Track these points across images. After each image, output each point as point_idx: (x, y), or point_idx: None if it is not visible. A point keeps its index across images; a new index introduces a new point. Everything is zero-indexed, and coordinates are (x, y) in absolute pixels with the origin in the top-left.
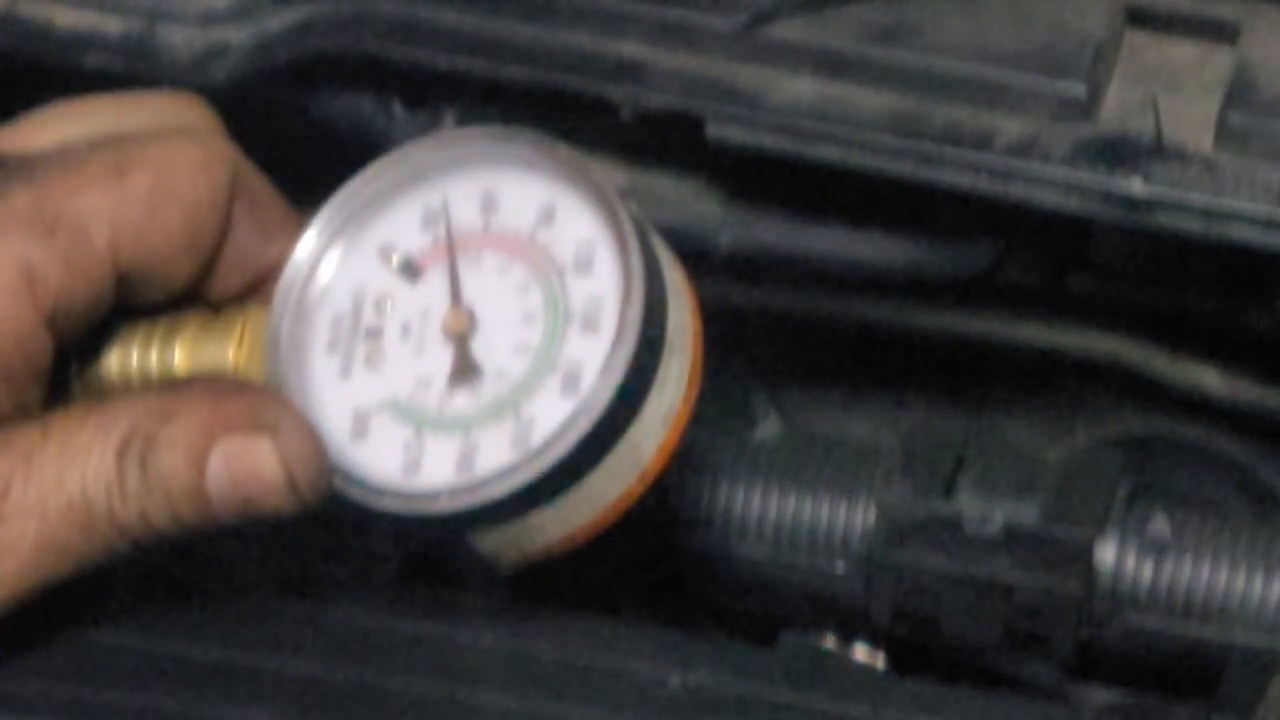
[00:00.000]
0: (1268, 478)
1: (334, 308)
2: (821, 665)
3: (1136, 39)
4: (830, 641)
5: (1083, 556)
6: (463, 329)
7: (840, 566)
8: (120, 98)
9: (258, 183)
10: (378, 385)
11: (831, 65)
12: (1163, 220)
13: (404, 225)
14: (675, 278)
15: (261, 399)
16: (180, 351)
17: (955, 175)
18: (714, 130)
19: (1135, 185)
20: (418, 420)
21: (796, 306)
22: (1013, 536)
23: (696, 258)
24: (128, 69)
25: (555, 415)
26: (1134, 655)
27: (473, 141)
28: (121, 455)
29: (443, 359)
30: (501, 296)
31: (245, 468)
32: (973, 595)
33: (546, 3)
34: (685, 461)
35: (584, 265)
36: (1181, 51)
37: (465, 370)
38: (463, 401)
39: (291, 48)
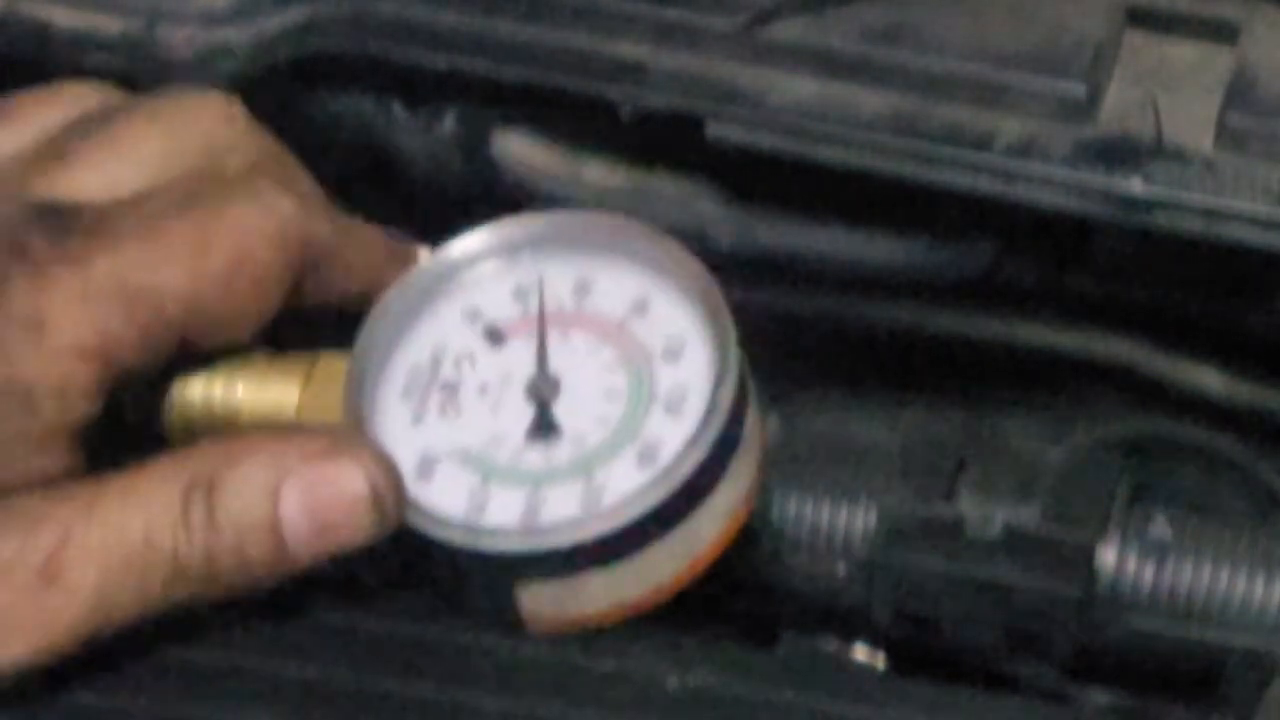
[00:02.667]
0: (1268, 478)
1: (413, 358)
2: (821, 665)
3: (1136, 39)
4: (830, 643)
5: (1083, 559)
6: (547, 393)
7: (841, 568)
8: (163, 127)
9: (324, 231)
10: (450, 434)
11: (831, 65)
12: (1163, 220)
13: (494, 294)
14: (752, 384)
15: (335, 431)
16: (244, 389)
17: (955, 175)
18: (714, 130)
19: (1135, 185)
20: (486, 470)
21: (796, 306)
22: (1013, 538)
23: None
24: (128, 69)
25: (629, 482)
26: (1134, 657)
27: (573, 224)
28: (188, 495)
29: (521, 417)
30: (586, 371)
31: (325, 494)
32: (973, 597)
33: (546, 3)
34: None
35: (673, 354)
36: (1181, 51)
37: (543, 429)
38: (535, 458)
39: (291, 48)
